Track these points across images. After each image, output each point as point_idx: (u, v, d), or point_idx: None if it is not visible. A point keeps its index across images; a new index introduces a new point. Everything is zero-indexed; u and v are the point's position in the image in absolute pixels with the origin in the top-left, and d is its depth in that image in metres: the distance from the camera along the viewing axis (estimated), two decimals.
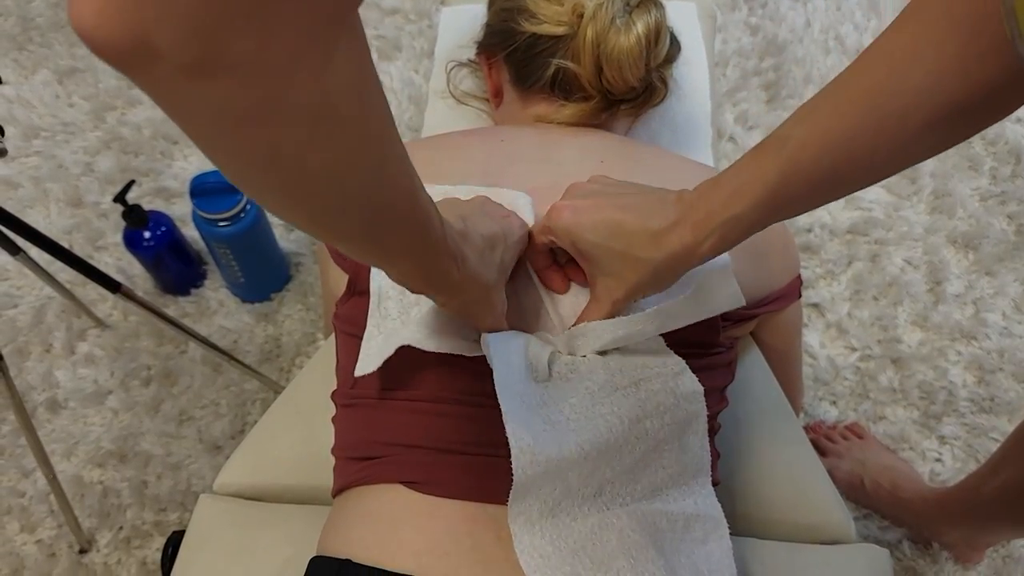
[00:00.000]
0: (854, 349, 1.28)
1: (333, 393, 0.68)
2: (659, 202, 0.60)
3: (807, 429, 1.22)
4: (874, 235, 1.37)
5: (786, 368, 0.91)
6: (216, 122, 0.34)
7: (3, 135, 0.76)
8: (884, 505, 1.14)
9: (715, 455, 0.68)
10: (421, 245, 0.47)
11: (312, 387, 0.81)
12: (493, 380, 0.57)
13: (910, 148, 0.51)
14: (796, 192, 0.54)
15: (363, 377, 0.63)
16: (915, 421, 1.23)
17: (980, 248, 1.35)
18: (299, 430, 0.78)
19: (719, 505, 0.62)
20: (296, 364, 1.30)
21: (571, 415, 0.59)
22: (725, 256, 0.62)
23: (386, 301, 0.64)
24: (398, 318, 0.63)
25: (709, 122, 0.93)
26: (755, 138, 1.46)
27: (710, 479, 0.63)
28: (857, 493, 1.15)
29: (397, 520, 0.59)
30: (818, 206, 0.56)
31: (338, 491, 0.65)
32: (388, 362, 0.60)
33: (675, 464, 0.61)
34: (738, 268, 0.67)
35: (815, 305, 1.32)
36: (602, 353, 0.63)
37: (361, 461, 0.63)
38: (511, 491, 0.55)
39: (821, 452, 1.18)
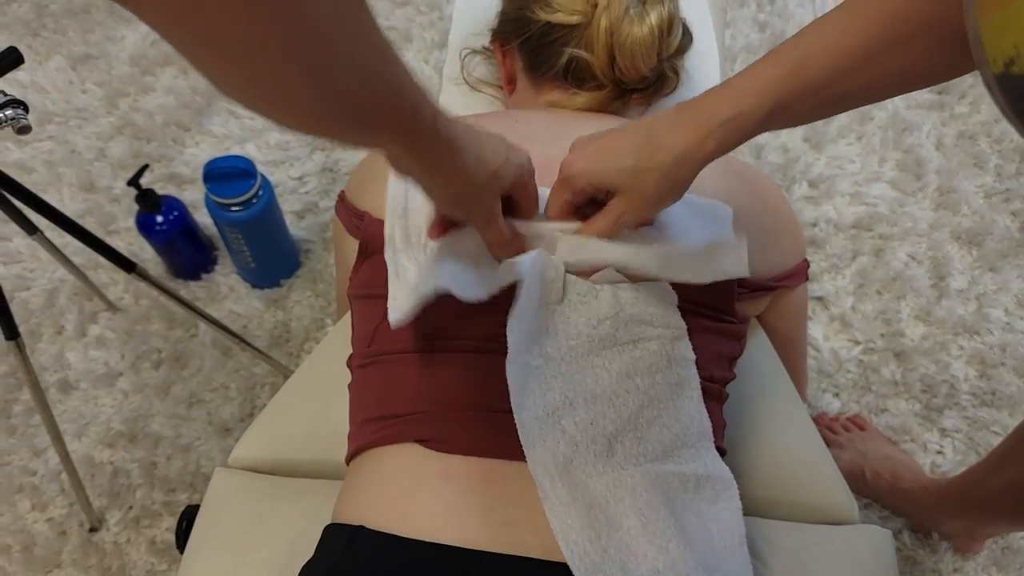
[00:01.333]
0: (857, 342, 1.30)
1: (349, 358, 0.69)
2: (662, 115, 0.61)
3: (816, 419, 1.24)
4: (878, 230, 1.38)
5: (792, 355, 0.92)
6: None
7: (27, 111, 0.77)
8: (885, 495, 1.16)
9: (722, 423, 0.70)
10: (409, 119, 0.48)
11: (326, 365, 0.83)
12: (507, 320, 0.59)
13: (912, 72, 0.54)
14: (799, 99, 0.56)
15: (380, 334, 0.64)
16: (917, 414, 1.24)
17: (984, 244, 1.36)
18: (313, 406, 0.80)
19: (727, 468, 0.63)
20: (305, 349, 1.31)
21: (566, 356, 0.61)
22: (741, 233, 0.63)
23: (400, 252, 0.65)
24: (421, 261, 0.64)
25: None
26: (764, 136, 1.46)
27: (713, 443, 0.64)
28: (858, 483, 1.16)
29: (412, 482, 0.60)
30: (817, 119, 0.59)
31: (352, 455, 0.66)
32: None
33: (675, 424, 0.62)
34: (752, 244, 0.68)
35: (819, 298, 1.34)
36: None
37: (377, 422, 0.64)
38: (520, 435, 0.57)
39: (826, 443, 1.19)
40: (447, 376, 0.62)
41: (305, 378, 0.83)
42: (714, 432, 0.65)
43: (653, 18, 0.80)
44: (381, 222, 0.68)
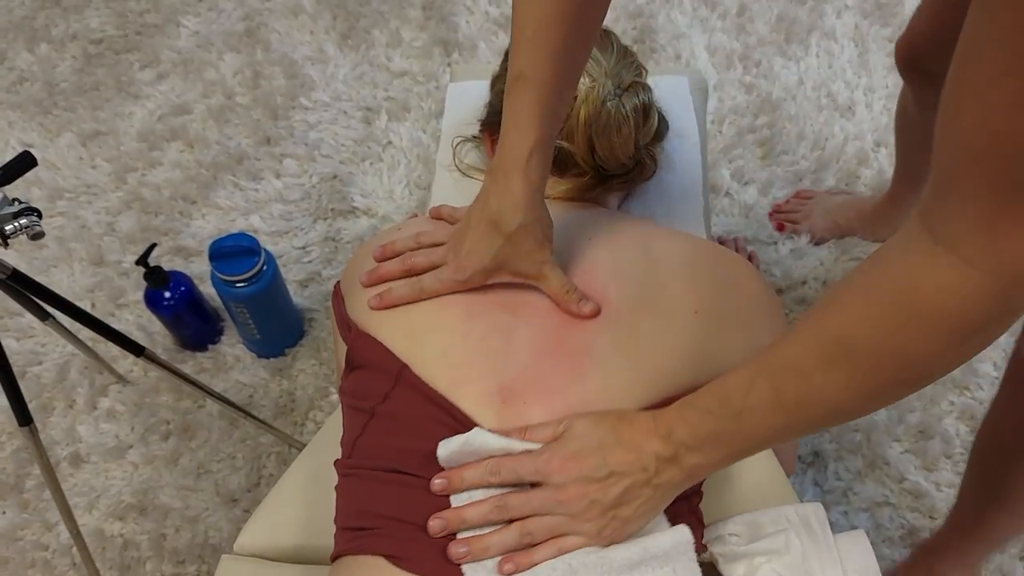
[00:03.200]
0: None
1: (336, 462, 0.72)
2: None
3: (770, 216, 1.50)
4: None
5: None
6: None
7: (40, 216, 0.81)
8: (858, 226, 1.44)
9: (701, 524, 0.72)
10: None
11: (327, 451, 0.85)
12: None
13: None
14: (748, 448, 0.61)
15: (359, 448, 0.68)
16: (913, 464, 1.26)
17: None
18: (316, 492, 0.83)
19: (699, 571, 0.65)
20: (310, 418, 1.35)
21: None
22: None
23: None
24: None
25: (701, 193, 0.99)
26: (750, 193, 1.51)
27: (692, 548, 0.65)
28: (839, 230, 1.45)
29: None
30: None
31: (333, 558, 0.69)
32: (381, 437, 0.67)
33: (647, 539, 0.65)
34: (730, 342, 0.72)
35: None
36: None
37: (352, 531, 0.67)
38: None
39: (793, 223, 1.47)
40: (418, 500, 0.66)
41: (308, 464, 0.86)
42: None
43: (629, 108, 0.85)
44: (367, 336, 0.73)
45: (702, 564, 0.75)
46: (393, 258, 0.77)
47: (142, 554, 1.23)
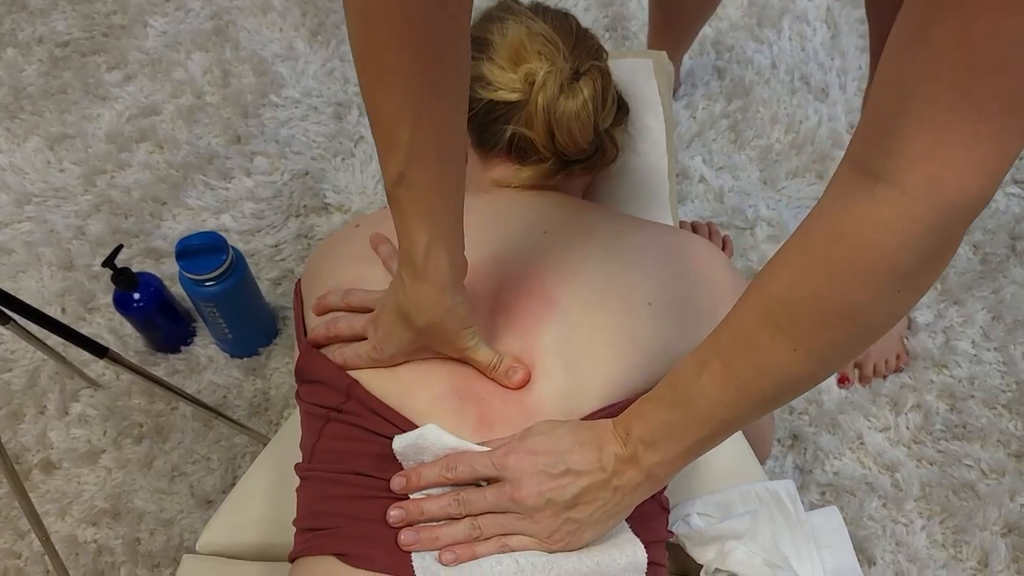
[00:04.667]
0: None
1: (296, 465, 0.72)
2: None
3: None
4: None
5: (755, 426, 0.93)
6: None
7: None
8: None
9: (665, 509, 0.71)
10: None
11: (293, 442, 0.84)
12: None
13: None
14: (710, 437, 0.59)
15: (316, 453, 0.68)
16: (890, 442, 1.26)
17: (947, 278, 1.38)
18: (278, 489, 0.82)
19: None
20: (284, 416, 1.33)
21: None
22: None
23: None
24: None
25: (666, 176, 0.98)
26: (723, 178, 1.50)
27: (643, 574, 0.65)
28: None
29: None
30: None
31: (291, 559, 0.68)
32: (337, 442, 0.67)
33: (600, 554, 0.64)
34: (692, 333, 0.71)
35: None
36: None
37: (308, 532, 0.67)
38: None
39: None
40: (373, 498, 0.65)
41: (271, 460, 0.85)
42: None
43: (587, 93, 0.83)
44: (316, 353, 0.73)
45: (670, 547, 0.75)
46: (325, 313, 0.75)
47: (116, 559, 1.22)
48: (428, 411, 0.66)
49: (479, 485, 0.63)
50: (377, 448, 0.65)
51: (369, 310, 0.72)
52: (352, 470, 0.66)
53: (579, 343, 0.70)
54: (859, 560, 1.17)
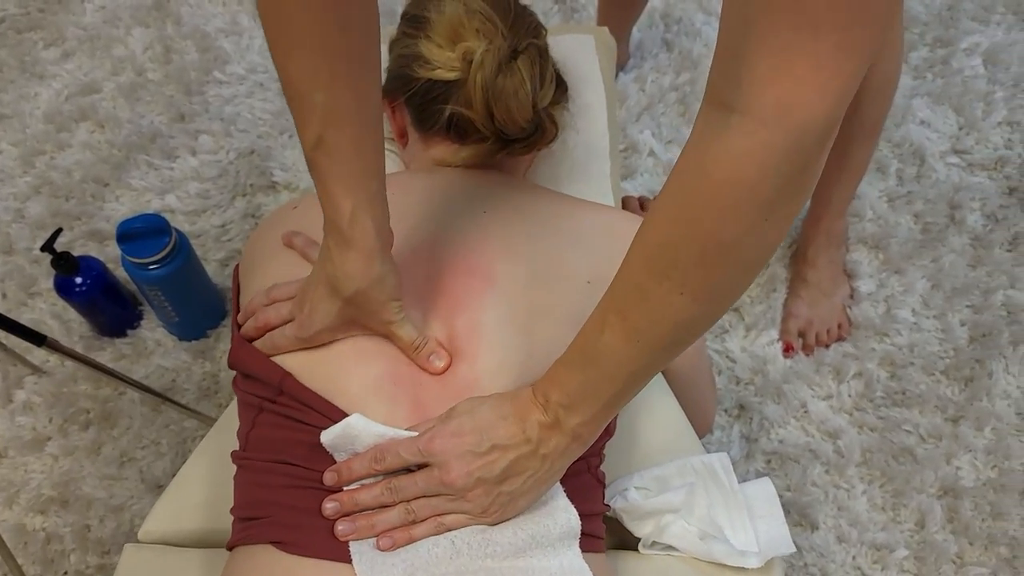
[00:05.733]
0: (775, 340, 1.34)
1: (232, 453, 0.71)
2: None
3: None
4: (788, 237, 1.43)
5: (695, 394, 0.95)
6: None
7: None
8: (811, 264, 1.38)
9: (600, 483, 0.73)
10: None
11: (233, 431, 0.84)
12: None
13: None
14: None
15: (250, 441, 0.68)
16: (833, 409, 1.29)
17: (889, 248, 1.41)
18: (221, 473, 0.81)
19: (586, 568, 0.64)
20: (235, 399, 1.32)
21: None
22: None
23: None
24: None
25: (607, 153, 0.98)
26: (673, 152, 1.51)
27: (578, 540, 0.66)
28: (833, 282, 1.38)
29: None
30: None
31: (229, 548, 0.68)
32: (270, 430, 0.67)
33: (531, 525, 0.64)
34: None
35: (735, 310, 1.38)
36: None
37: (244, 521, 0.66)
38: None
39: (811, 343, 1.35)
40: (307, 488, 0.66)
41: (212, 446, 0.85)
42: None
43: (525, 71, 0.83)
44: (249, 346, 0.73)
45: (609, 521, 0.76)
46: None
47: (65, 547, 1.20)
48: (362, 397, 0.66)
49: (411, 470, 0.64)
50: (310, 438, 0.65)
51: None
52: (285, 460, 0.66)
53: (519, 321, 0.71)
54: (802, 525, 1.20)
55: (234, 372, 0.77)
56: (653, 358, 0.57)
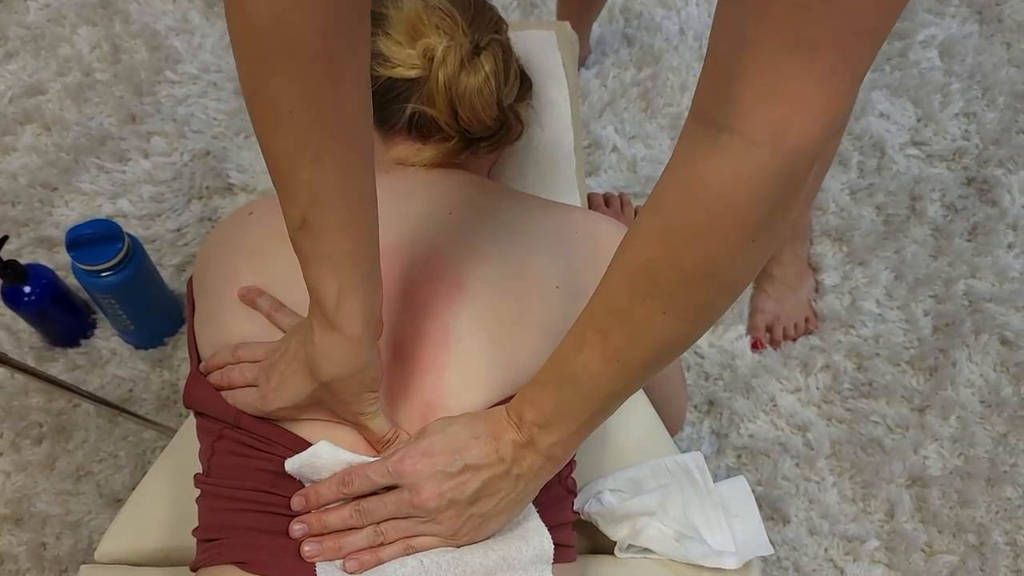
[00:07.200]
0: (742, 335, 1.34)
1: (195, 476, 0.69)
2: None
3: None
4: None
5: (663, 387, 0.94)
6: None
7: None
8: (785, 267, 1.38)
9: (571, 492, 0.71)
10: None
11: (191, 447, 0.81)
12: None
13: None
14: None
15: (212, 467, 0.66)
16: (802, 402, 1.29)
17: (853, 240, 1.42)
18: (179, 490, 0.78)
19: None
20: None
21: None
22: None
23: None
24: None
25: (573, 150, 0.96)
26: (636, 148, 1.50)
27: (550, 566, 0.64)
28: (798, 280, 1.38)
29: None
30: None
31: (192, 569, 0.66)
32: (231, 457, 0.65)
33: (504, 547, 0.63)
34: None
35: None
36: None
37: (207, 543, 0.64)
38: None
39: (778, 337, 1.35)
40: (273, 518, 0.64)
41: (172, 461, 0.82)
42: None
43: (488, 68, 0.81)
44: (204, 381, 0.70)
45: (583, 525, 0.75)
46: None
47: (20, 566, 1.16)
48: (325, 423, 0.64)
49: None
50: (273, 465, 0.63)
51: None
52: (251, 487, 0.64)
53: (490, 329, 0.69)
54: (774, 519, 1.21)
55: None
56: (632, 378, 0.56)
